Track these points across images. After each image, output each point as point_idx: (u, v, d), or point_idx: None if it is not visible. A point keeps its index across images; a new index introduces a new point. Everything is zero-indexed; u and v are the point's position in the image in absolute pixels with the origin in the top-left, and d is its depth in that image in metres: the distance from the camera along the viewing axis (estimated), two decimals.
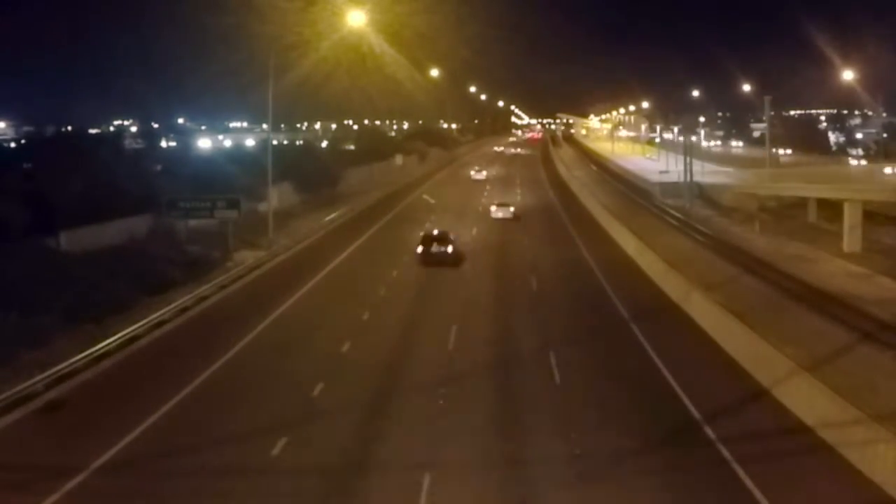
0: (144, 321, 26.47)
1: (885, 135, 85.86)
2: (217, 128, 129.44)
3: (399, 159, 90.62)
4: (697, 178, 62.57)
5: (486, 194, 69.64)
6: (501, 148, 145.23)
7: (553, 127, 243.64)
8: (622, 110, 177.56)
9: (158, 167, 53.28)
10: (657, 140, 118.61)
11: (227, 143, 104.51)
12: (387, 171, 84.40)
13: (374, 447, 17.57)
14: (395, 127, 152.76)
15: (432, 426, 18.65)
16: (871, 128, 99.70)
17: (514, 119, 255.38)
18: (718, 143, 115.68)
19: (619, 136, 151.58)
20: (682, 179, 62.27)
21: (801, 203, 51.25)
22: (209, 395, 20.96)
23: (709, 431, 17.94)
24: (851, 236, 39.55)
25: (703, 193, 62.85)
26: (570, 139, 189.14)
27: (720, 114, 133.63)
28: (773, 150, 72.23)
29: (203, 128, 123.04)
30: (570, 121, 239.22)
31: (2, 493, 15.42)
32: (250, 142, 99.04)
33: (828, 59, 64.98)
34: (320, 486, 15.72)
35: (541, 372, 22.56)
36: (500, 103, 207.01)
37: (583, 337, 26.42)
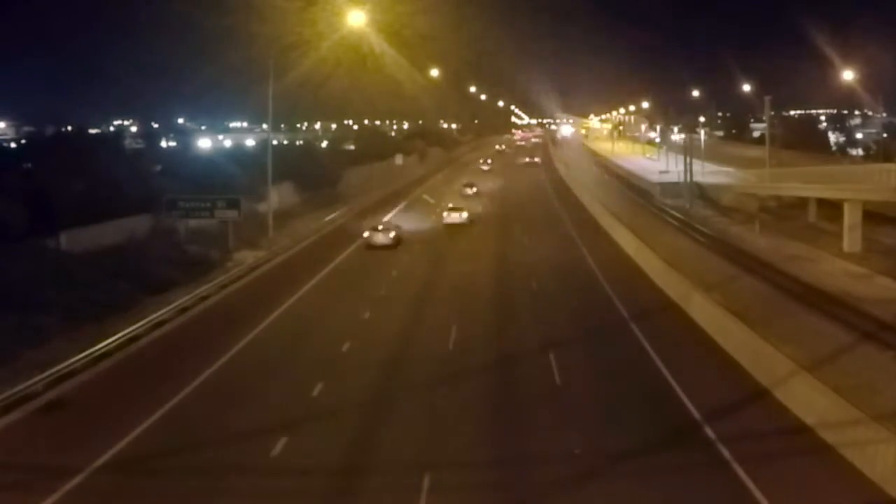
0: (144, 321, 26.49)
1: (885, 135, 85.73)
2: (217, 128, 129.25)
3: (399, 159, 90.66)
4: (697, 178, 62.60)
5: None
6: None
7: (553, 128, 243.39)
8: (622, 110, 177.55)
9: (158, 167, 53.31)
10: (657, 140, 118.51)
11: (227, 143, 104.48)
12: (387, 171, 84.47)
13: (375, 447, 17.59)
14: (395, 127, 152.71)
15: (432, 426, 18.66)
16: (871, 128, 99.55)
17: (514, 119, 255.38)
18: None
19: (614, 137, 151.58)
20: (682, 179, 62.29)
21: (801, 203, 51.21)
22: (209, 394, 20.98)
23: (709, 431, 17.92)
24: (851, 236, 39.51)
25: (703, 193, 62.85)
26: (569, 140, 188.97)
27: (720, 114, 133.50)
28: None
29: (203, 128, 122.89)
30: (571, 121, 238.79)
31: (2, 493, 15.43)
32: (250, 142, 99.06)
33: (828, 59, 64.85)
34: (320, 486, 15.72)
35: (541, 372, 22.56)
36: (500, 103, 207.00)
37: (583, 337, 26.42)
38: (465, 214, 52.70)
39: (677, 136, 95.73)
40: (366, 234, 44.29)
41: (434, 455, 16.95)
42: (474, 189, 70.14)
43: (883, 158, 58.19)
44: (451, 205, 55.76)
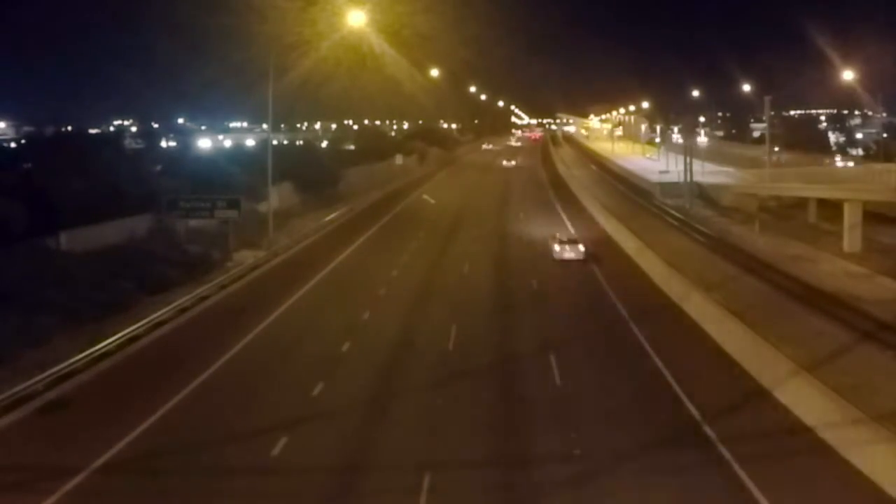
0: (144, 321, 26.47)
1: (885, 135, 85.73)
2: (217, 128, 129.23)
3: (399, 159, 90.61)
4: (697, 178, 62.60)
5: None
6: None
7: (553, 127, 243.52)
8: (622, 110, 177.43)
9: (158, 167, 53.24)
10: (657, 140, 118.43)
11: (227, 143, 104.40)
12: (387, 171, 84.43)
13: (375, 447, 17.59)
14: (395, 127, 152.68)
15: (432, 426, 18.66)
16: (871, 128, 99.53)
17: (514, 119, 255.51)
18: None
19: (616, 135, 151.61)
20: (682, 179, 62.29)
21: (801, 203, 51.23)
22: (209, 394, 20.98)
23: (709, 431, 17.95)
24: (851, 236, 39.53)
25: (703, 193, 62.85)
26: (569, 140, 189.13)
27: (720, 114, 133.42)
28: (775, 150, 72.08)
29: (203, 128, 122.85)
30: (571, 120, 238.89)
31: (2, 493, 15.43)
32: (250, 142, 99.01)
33: (828, 59, 64.79)
34: (320, 486, 15.74)
35: (541, 372, 22.56)
36: (500, 103, 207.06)
37: (583, 337, 26.42)
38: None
39: (676, 137, 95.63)
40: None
41: (434, 455, 16.95)
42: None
43: (883, 158, 58.22)
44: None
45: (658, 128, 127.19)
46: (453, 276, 36.59)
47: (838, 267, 35.90)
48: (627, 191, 73.51)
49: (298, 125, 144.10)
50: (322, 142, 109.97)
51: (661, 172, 71.19)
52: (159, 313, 27.62)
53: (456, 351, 24.85)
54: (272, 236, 43.67)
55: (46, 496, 15.05)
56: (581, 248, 40.04)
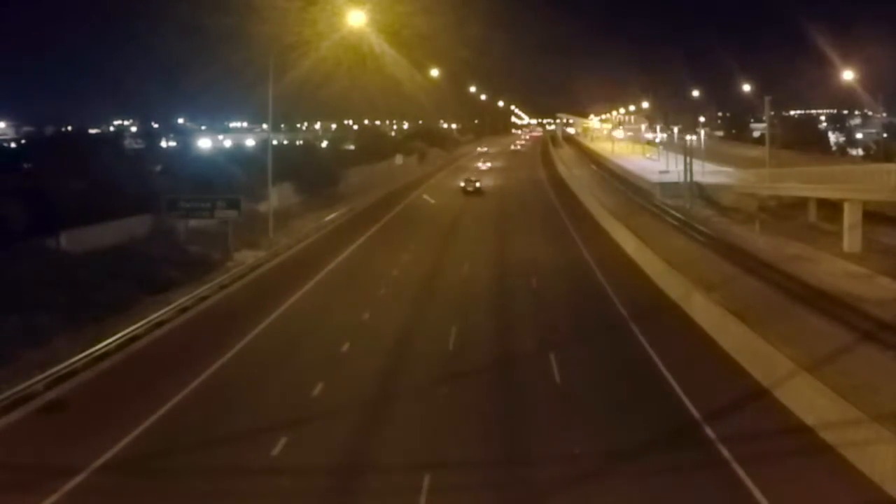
0: (144, 321, 26.47)
1: (885, 135, 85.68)
2: (217, 128, 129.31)
3: (399, 159, 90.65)
4: (697, 178, 62.57)
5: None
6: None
7: (553, 127, 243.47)
8: (622, 110, 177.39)
9: (158, 167, 53.26)
10: (657, 140, 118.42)
11: (227, 143, 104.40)
12: (387, 171, 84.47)
13: (375, 447, 17.59)
14: (395, 127, 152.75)
15: (432, 426, 18.66)
16: (871, 128, 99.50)
17: (514, 119, 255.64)
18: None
19: (615, 136, 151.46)
20: (682, 179, 62.27)
21: (801, 203, 51.15)
22: (209, 394, 20.98)
23: (709, 431, 17.94)
24: (851, 236, 39.47)
25: (703, 193, 62.83)
26: (569, 140, 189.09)
27: (720, 114, 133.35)
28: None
29: (203, 128, 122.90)
30: (571, 121, 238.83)
31: (2, 493, 15.43)
32: (250, 142, 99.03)
33: (828, 59, 64.87)
34: (320, 486, 15.74)
35: (541, 371, 22.56)
36: (500, 103, 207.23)
37: (583, 336, 26.43)
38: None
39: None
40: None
41: (434, 455, 16.96)
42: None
43: (883, 158, 58.18)
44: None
45: (658, 127, 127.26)
46: (454, 276, 36.60)
47: (838, 267, 35.85)
48: (627, 190, 73.48)
49: (298, 125, 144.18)
50: (322, 142, 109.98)
51: (661, 172, 71.17)
52: (159, 313, 27.62)
53: (456, 351, 24.85)
54: (272, 236, 43.72)
55: (46, 496, 15.05)
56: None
